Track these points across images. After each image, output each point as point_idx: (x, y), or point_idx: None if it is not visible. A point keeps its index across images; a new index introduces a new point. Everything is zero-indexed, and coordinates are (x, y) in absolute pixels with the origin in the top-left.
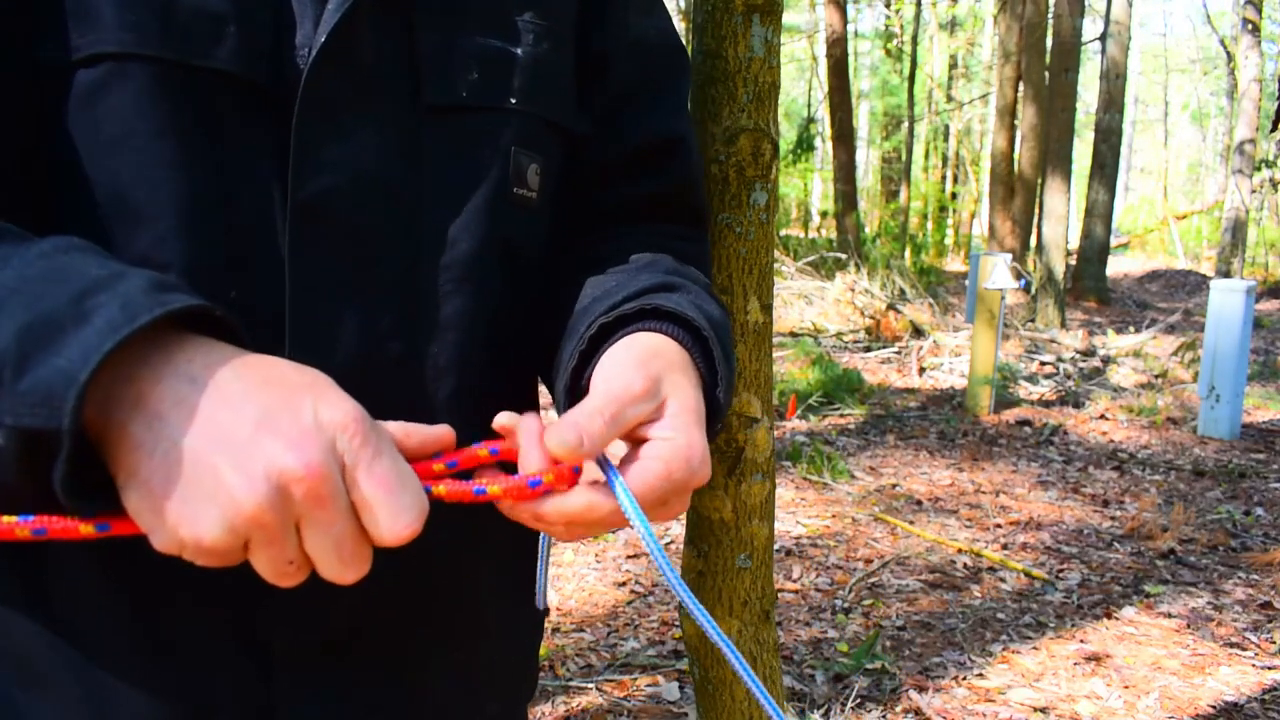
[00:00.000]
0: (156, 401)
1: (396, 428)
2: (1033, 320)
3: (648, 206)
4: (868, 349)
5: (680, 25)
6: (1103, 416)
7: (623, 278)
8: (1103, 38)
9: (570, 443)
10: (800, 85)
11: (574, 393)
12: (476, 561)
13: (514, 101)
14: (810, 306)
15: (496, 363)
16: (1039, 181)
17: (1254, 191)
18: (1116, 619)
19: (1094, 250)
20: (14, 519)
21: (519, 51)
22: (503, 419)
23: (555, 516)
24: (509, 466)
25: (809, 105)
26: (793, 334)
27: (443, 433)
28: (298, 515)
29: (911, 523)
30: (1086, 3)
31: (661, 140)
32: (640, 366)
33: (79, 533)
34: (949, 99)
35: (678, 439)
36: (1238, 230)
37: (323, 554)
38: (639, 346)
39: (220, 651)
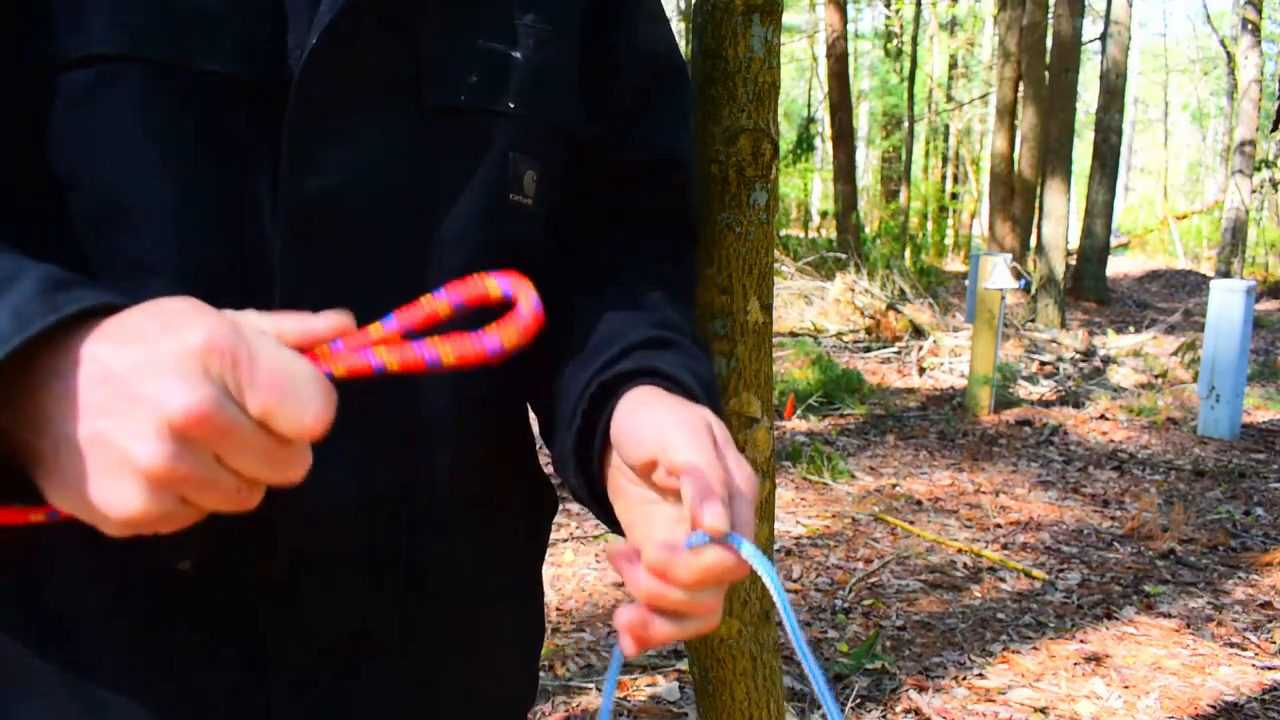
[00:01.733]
0: (41, 408)
1: (269, 324)
2: (1033, 320)
3: (644, 218)
4: (868, 349)
5: (680, 25)
6: (1103, 416)
7: (616, 326)
8: (1103, 38)
9: (722, 520)
10: (800, 85)
11: (585, 443)
12: (481, 570)
13: (512, 105)
14: (810, 306)
15: (494, 370)
16: (1039, 182)
17: (1254, 191)
18: (1116, 619)
19: (1094, 250)
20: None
21: (518, 55)
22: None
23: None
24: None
25: (809, 105)
26: (793, 334)
27: (330, 322)
28: (211, 451)
29: (911, 523)
30: (1086, 3)
31: (666, 156)
32: (689, 429)
33: None
34: (949, 99)
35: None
36: (1238, 230)
37: (258, 471)
38: (672, 404)
39: (217, 658)
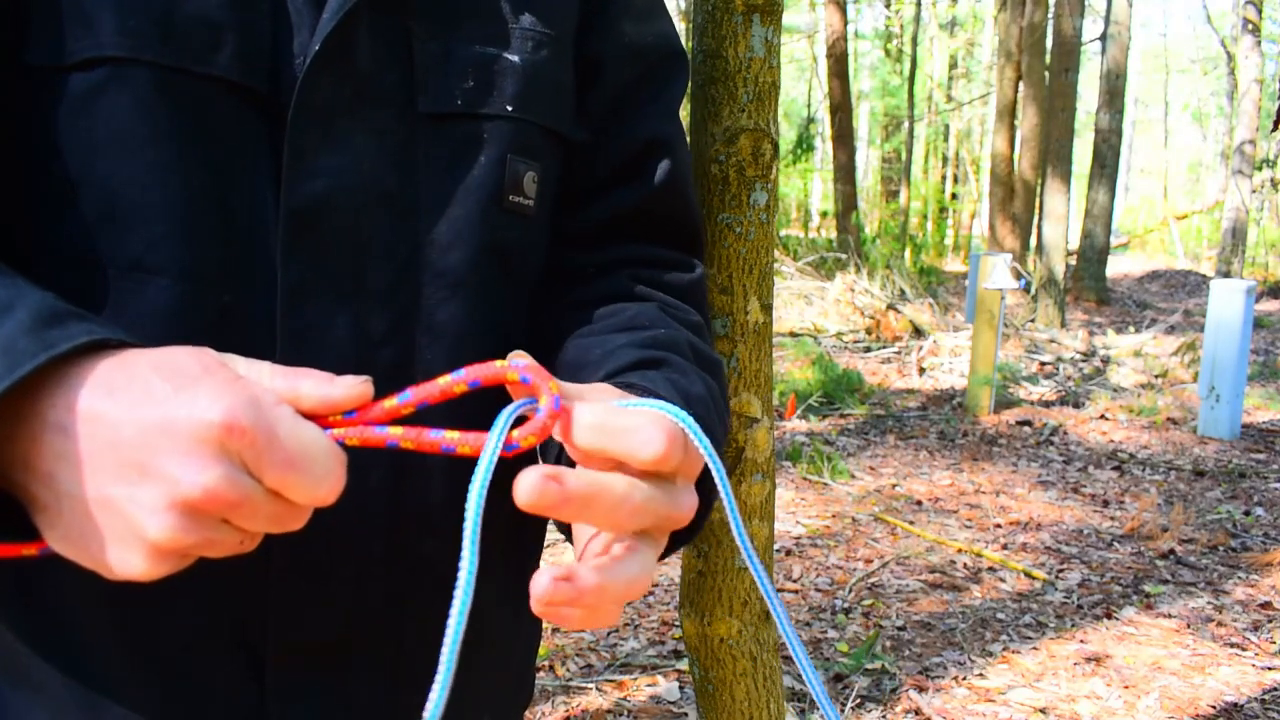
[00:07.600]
0: (39, 460)
1: (286, 390)
2: (1033, 320)
3: (634, 219)
4: (868, 349)
5: (680, 25)
6: (1103, 416)
7: (601, 350)
8: (1103, 38)
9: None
10: (800, 85)
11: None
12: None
13: (510, 109)
14: (810, 306)
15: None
16: (1039, 182)
17: (1254, 192)
18: (1116, 619)
19: (1094, 250)
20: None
21: (516, 59)
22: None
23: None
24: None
25: (809, 105)
26: (793, 334)
27: (349, 391)
28: (220, 518)
29: (911, 523)
30: (1086, 3)
31: (646, 143)
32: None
33: None
34: (949, 99)
35: None
36: (1238, 230)
37: (263, 528)
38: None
39: (212, 654)
